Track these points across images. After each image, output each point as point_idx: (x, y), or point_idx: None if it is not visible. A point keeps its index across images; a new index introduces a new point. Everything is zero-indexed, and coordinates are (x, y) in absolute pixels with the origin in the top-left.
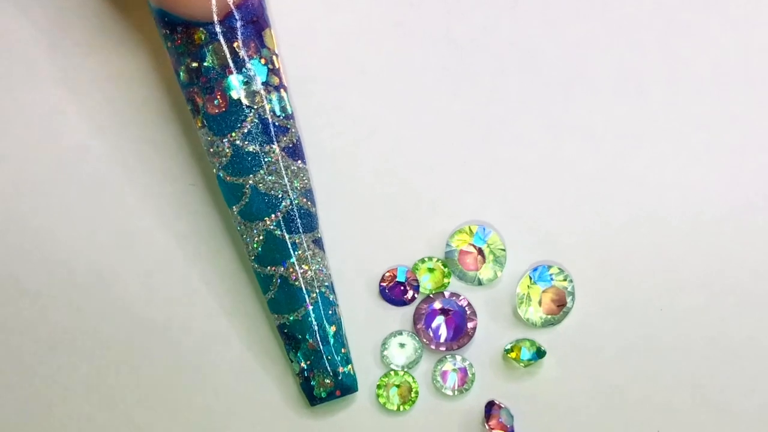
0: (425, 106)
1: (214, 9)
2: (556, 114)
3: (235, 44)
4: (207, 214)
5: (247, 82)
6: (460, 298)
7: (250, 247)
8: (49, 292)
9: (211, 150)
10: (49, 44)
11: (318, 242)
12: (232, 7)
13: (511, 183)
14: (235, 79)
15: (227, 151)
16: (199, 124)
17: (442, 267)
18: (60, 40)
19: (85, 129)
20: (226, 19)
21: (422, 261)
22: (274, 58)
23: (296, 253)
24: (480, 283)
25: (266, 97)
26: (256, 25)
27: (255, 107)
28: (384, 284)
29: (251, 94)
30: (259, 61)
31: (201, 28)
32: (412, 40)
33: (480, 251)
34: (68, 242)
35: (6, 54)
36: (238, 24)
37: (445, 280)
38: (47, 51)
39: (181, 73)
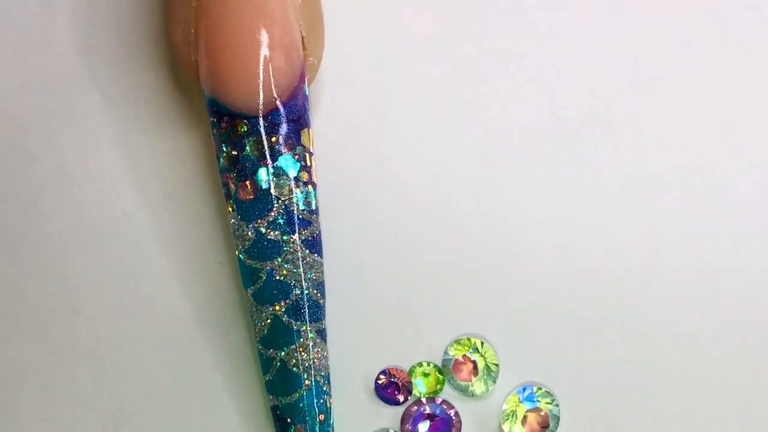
0: (442, 217)
1: (261, 105)
2: (568, 245)
3: (273, 138)
4: (228, 292)
5: (279, 175)
6: (450, 406)
7: (258, 329)
8: (71, 347)
9: (237, 233)
10: (115, 115)
11: (321, 333)
12: (278, 104)
13: (517, 301)
14: (268, 171)
15: (251, 235)
16: (230, 209)
17: (437, 374)
18: (125, 112)
19: (132, 198)
20: (270, 114)
21: (419, 365)
22: (308, 156)
23: (299, 340)
24: (472, 394)
25: (294, 191)
26: (297, 123)
27: (282, 199)
28: (379, 382)
29: (280, 186)
30: (293, 157)
31: (245, 120)
32: (435, 163)
33: (475, 364)
34: (92, 297)
35: (76, 117)
36: (280, 120)
37: (439, 387)
38: (112, 120)
39: (221, 159)
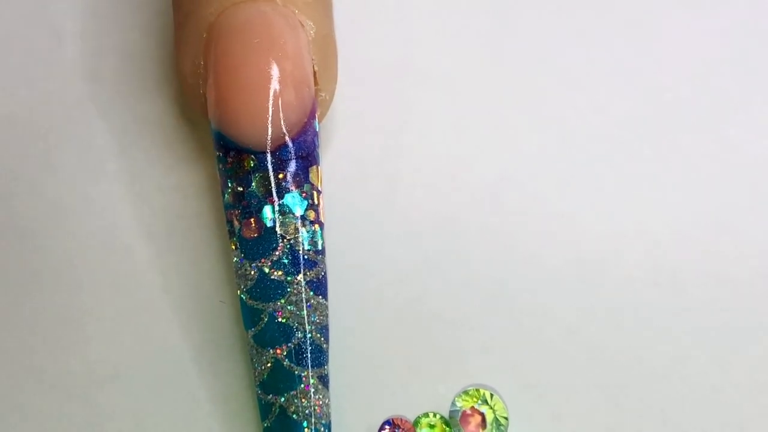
0: (452, 262)
1: (269, 141)
2: (583, 300)
3: (280, 175)
4: (229, 332)
5: (284, 213)
6: None
7: (257, 372)
8: (65, 384)
9: (240, 272)
10: (121, 145)
11: (323, 379)
12: (287, 140)
13: (530, 352)
14: (273, 209)
15: (253, 275)
16: (234, 246)
17: (444, 425)
18: (131, 143)
19: (134, 231)
20: (278, 150)
21: (425, 415)
22: (315, 194)
23: (300, 386)
24: None
25: (300, 230)
26: (305, 160)
27: (288, 238)
28: (386, 427)
29: (286, 225)
30: (300, 195)
31: (252, 156)
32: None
33: (483, 417)
34: (89, 332)
35: (80, 147)
36: (289, 157)
37: None
38: (117, 151)
39: (226, 195)
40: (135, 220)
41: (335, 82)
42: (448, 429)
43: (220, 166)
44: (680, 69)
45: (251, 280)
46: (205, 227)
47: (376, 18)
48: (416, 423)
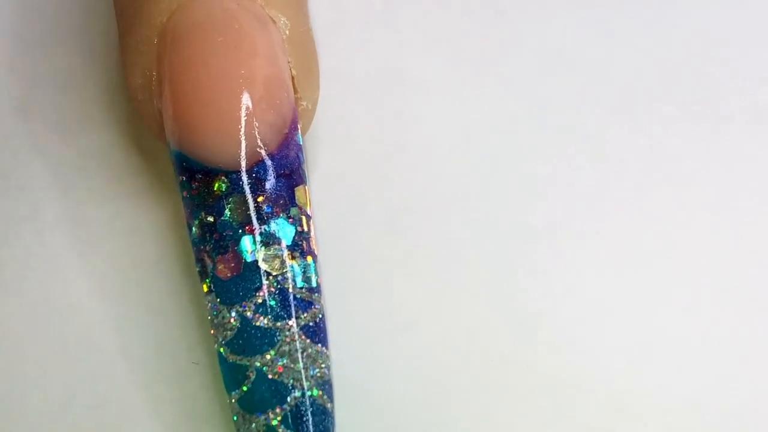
0: (463, 296)
1: (242, 156)
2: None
3: (260, 198)
4: (206, 400)
5: (268, 244)
6: None
7: None
8: None
9: (216, 321)
10: (60, 185)
11: None
12: (264, 155)
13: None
14: (254, 239)
15: (233, 323)
16: (206, 289)
17: None
18: (72, 181)
19: (83, 285)
20: (255, 168)
21: None
22: (304, 219)
23: None
24: None
25: (289, 264)
26: (289, 179)
27: (274, 274)
28: None
29: (271, 259)
30: (287, 221)
31: (223, 177)
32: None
33: None
34: (37, 409)
35: (11, 194)
36: (268, 176)
37: None
38: (56, 192)
39: (193, 228)
40: (83, 274)
41: (317, 89)
42: None
43: (185, 194)
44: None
45: (231, 330)
46: (168, 274)
47: (359, 25)
48: None
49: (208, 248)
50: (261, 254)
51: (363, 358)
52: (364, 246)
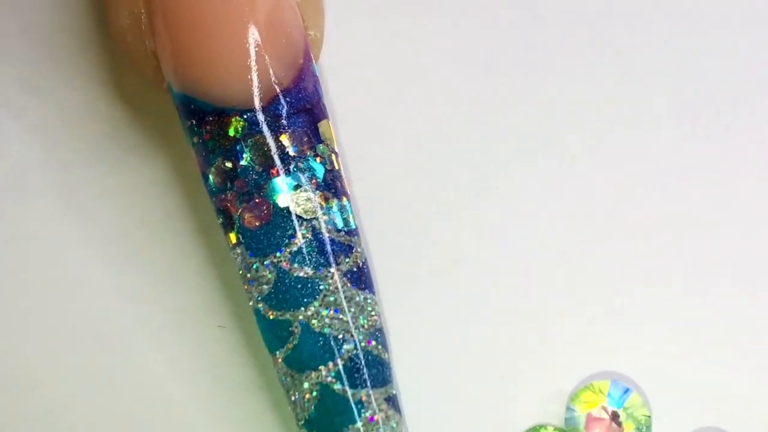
0: (539, 234)
1: (256, 92)
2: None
3: (282, 137)
4: (241, 366)
5: (299, 186)
6: None
7: (300, 408)
8: None
9: (249, 275)
10: (40, 145)
11: (392, 401)
12: (280, 91)
13: (654, 326)
14: (282, 182)
15: (269, 276)
16: (233, 241)
17: None
18: (55, 140)
19: (84, 257)
20: (272, 104)
21: (540, 429)
22: (333, 156)
23: (363, 415)
24: None
25: (323, 206)
26: (310, 114)
27: (307, 218)
28: None
29: (304, 202)
30: (314, 159)
31: (237, 117)
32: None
33: (615, 417)
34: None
35: None
36: (288, 111)
37: None
38: (37, 154)
39: (210, 176)
40: (81, 243)
41: (323, 16)
42: None
43: (195, 139)
44: None
45: (267, 283)
46: (177, 232)
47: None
48: None
49: (230, 197)
50: (291, 198)
51: (409, 304)
52: (397, 187)
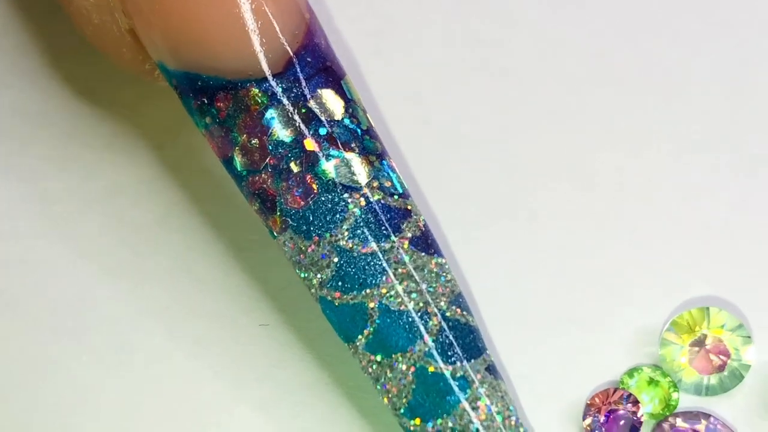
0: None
1: (263, 58)
2: None
3: (311, 102)
4: (298, 359)
5: (339, 153)
6: (712, 419)
7: (394, 396)
8: None
9: (303, 261)
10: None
11: (492, 369)
12: (291, 53)
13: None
14: (320, 152)
15: (330, 258)
16: (278, 226)
17: (663, 377)
18: (20, 157)
19: (94, 272)
20: (289, 68)
21: (635, 372)
22: (366, 115)
23: (467, 391)
24: (723, 389)
25: (370, 171)
26: (331, 73)
27: (359, 187)
28: (594, 413)
29: (349, 170)
30: (351, 121)
31: (254, 87)
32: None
33: (704, 341)
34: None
35: None
36: (309, 73)
37: (674, 396)
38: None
39: (235, 158)
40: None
41: None
42: (670, 380)
43: (208, 120)
44: None
45: (327, 266)
46: (178, 232)
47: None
48: (625, 386)
49: (265, 177)
50: (334, 167)
51: (487, 255)
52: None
